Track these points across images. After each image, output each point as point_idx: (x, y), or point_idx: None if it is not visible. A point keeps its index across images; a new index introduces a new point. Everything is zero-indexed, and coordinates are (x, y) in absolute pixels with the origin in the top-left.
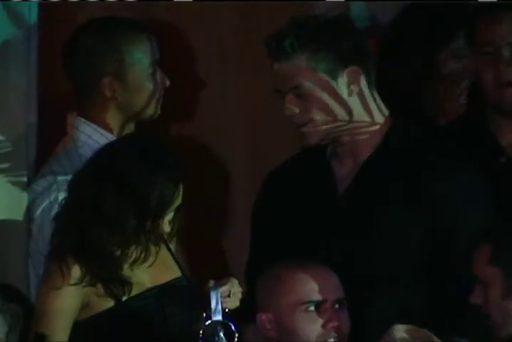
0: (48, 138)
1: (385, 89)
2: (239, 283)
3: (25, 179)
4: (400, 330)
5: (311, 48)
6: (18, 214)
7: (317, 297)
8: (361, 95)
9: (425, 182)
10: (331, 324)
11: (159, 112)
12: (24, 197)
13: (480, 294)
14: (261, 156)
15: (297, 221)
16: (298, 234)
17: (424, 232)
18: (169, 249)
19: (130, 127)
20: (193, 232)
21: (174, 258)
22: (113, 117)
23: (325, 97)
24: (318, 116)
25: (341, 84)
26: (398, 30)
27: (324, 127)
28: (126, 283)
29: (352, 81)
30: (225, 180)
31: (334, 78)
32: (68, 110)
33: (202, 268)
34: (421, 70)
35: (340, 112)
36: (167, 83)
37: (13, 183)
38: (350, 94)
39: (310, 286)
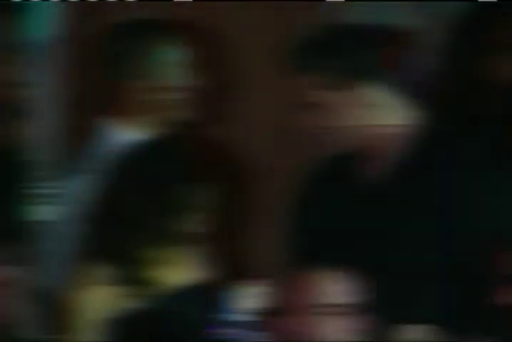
0: (75, 138)
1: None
2: (258, 283)
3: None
4: None
5: (321, 65)
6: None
7: (328, 300)
8: (379, 106)
9: (450, 183)
10: (342, 328)
11: (190, 115)
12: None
13: (503, 294)
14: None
15: (329, 221)
16: (332, 234)
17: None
18: (189, 249)
19: (159, 130)
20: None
21: (195, 258)
22: (143, 120)
23: (335, 112)
24: (331, 129)
25: (352, 99)
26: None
27: (341, 136)
28: (149, 285)
29: (365, 95)
30: (252, 179)
31: (344, 93)
32: (95, 111)
33: (224, 268)
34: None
35: (354, 125)
36: (198, 83)
37: (34, 179)
38: (362, 108)
39: (321, 289)
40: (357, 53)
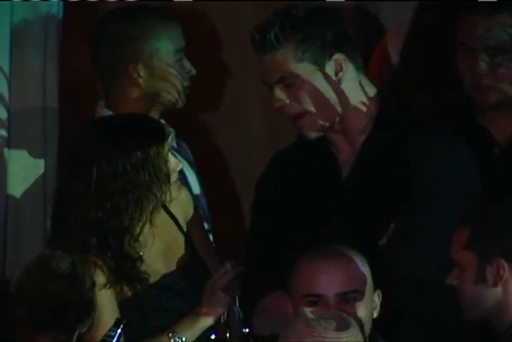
0: (71, 122)
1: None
2: None
3: (42, 162)
4: (306, 312)
5: (296, 38)
6: (35, 198)
7: (314, 291)
8: (351, 81)
9: (413, 162)
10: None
11: (184, 101)
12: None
13: (456, 277)
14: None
15: (301, 206)
16: (301, 219)
17: None
18: (181, 229)
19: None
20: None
21: (186, 238)
22: (139, 106)
23: (314, 86)
24: (311, 106)
25: (329, 72)
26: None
27: (320, 119)
28: (144, 278)
29: (339, 69)
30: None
31: (321, 66)
32: (90, 96)
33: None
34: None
35: (331, 100)
36: (193, 71)
37: (31, 166)
38: (338, 82)
39: (311, 279)
40: (328, 29)
